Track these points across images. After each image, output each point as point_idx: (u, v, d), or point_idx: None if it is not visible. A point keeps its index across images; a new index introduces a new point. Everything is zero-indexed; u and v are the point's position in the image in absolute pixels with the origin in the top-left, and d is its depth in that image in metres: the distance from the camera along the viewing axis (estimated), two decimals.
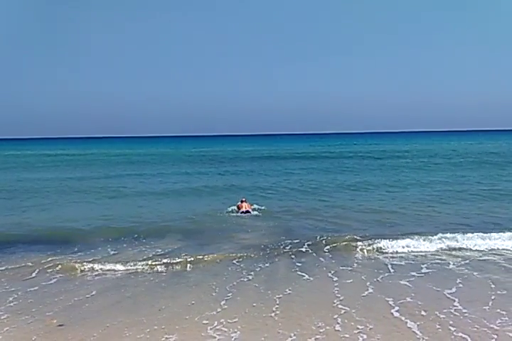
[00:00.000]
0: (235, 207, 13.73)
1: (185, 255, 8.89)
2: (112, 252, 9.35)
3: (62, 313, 6.13)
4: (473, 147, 55.15)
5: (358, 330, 5.58)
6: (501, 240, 9.58)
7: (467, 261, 8.52)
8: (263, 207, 14.08)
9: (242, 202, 13.68)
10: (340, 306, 6.34)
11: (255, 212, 13.51)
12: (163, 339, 5.37)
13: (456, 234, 9.89)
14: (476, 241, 9.51)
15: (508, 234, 9.95)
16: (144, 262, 8.43)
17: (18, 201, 16.66)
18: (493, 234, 9.90)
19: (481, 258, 8.73)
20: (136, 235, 10.75)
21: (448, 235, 9.87)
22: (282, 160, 38.90)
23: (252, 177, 24.80)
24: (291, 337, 5.38)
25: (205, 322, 5.82)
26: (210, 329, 5.59)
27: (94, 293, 6.98)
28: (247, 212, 13.27)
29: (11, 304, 6.53)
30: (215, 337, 5.36)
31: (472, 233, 10.01)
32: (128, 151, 59.93)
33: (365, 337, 5.40)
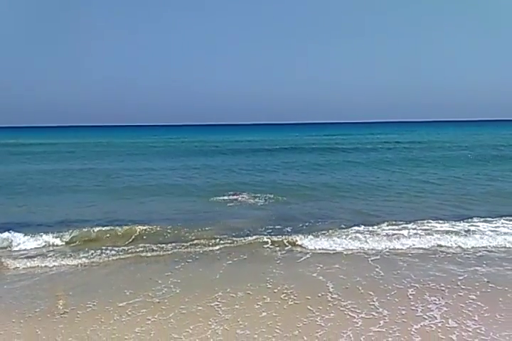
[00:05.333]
0: (227, 198, 14.76)
1: (173, 239, 9.78)
2: (100, 245, 9.74)
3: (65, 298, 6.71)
4: (471, 138, 55.30)
5: (284, 289, 6.72)
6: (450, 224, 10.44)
7: (410, 241, 9.50)
8: (254, 198, 14.87)
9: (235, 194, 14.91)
10: (274, 270, 7.53)
11: (247, 201, 14.37)
12: (122, 293, 6.65)
13: (422, 221, 10.65)
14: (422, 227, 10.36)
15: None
16: (136, 248, 9.11)
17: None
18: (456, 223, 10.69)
19: (425, 237, 9.65)
20: (126, 228, 10.83)
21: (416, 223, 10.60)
22: (276, 152, 38.39)
23: (244, 171, 24.35)
24: (224, 290, 6.61)
25: (160, 281, 7.12)
26: (160, 285, 6.95)
27: (90, 281, 7.48)
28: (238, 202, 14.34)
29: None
30: (161, 290, 6.73)
31: (430, 222, 10.70)
32: (117, 141, 59.15)
33: (288, 292, 6.57)
